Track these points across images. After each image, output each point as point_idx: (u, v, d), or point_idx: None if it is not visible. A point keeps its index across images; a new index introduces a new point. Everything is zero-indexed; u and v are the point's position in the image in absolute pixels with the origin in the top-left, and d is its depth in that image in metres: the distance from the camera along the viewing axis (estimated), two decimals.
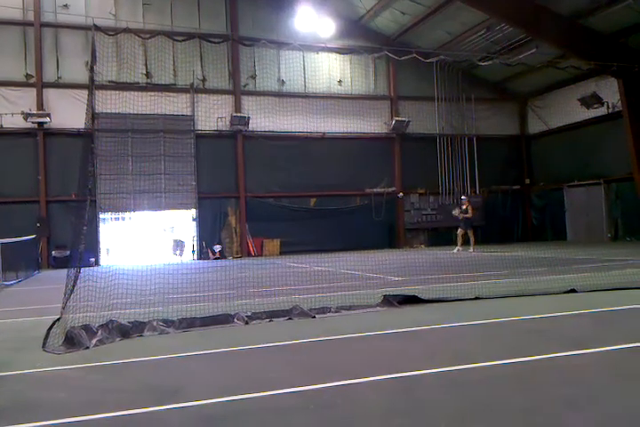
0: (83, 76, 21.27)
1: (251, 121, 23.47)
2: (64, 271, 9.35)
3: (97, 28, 9.27)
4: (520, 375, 4.29)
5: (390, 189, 25.84)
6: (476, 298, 8.06)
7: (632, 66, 18.33)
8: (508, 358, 4.69)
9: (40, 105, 21.27)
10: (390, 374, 4.35)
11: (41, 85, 21.45)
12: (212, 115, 23.02)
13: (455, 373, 4.37)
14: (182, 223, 24.13)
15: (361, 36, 24.95)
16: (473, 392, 3.91)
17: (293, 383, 4.23)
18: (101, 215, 22.24)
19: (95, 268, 18.97)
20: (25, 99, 21.21)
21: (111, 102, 19.02)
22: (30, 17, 21.55)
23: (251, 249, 23.50)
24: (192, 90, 23.07)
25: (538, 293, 8.27)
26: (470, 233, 20.47)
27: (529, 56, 21.76)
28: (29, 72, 21.50)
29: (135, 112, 21.00)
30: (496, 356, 4.79)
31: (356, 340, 5.84)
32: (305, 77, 24.95)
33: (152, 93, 22.02)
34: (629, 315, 6.71)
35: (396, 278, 11.55)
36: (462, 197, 22.12)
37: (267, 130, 23.86)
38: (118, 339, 6.19)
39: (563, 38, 20.25)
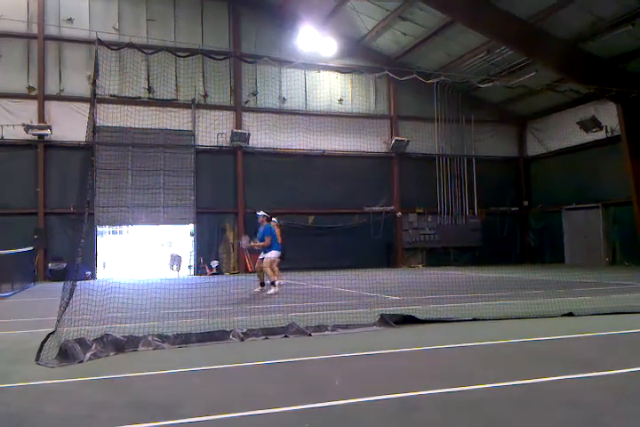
0: (84, 90, 21.40)
1: (251, 137, 23.55)
2: (60, 284, 9.30)
3: (101, 42, 9.32)
4: (520, 398, 4.25)
5: (389, 208, 25.86)
6: (474, 319, 8.02)
7: (631, 91, 18.46)
8: (507, 381, 4.65)
9: (41, 117, 21.34)
10: (387, 394, 4.31)
11: (43, 98, 21.53)
12: (213, 130, 23.08)
13: (453, 394, 4.33)
14: (180, 238, 24.09)
15: (362, 56, 25.15)
16: (472, 415, 3.86)
17: (289, 402, 4.18)
18: (99, 228, 22.18)
19: (91, 281, 18.88)
20: (26, 111, 21.26)
21: (112, 116, 19.11)
22: (34, 30, 21.69)
23: (248, 265, 23.42)
24: (193, 105, 23.17)
25: (536, 315, 8.24)
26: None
27: (529, 79, 21.91)
28: (32, 84, 21.58)
29: (136, 126, 21.11)
30: (495, 378, 4.75)
31: (352, 359, 5.80)
32: (306, 95, 25.09)
33: (153, 108, 22.13)
34: (629, 339, 6.67)
35: (394, 298, 11.50)
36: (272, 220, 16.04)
37: (267, 146, 23.93)
38: (112, 353, 6.14)
39: (562, 62, 20.41)
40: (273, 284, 13.09)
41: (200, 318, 8.04)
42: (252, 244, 14.22)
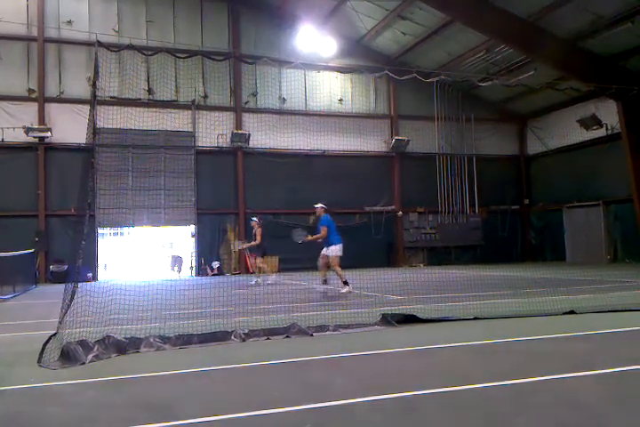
0: (84, 92, 21.42)
1: (251, 138, 23.56)
2: (61, 286, 9.30)
3: (100, 44, 9.33)
4: (520, 397, 4.25)
5: (389, 208, 25.85)
6: (475, 318, 8.02)
7: (631, 88, 18.44)
8: (508, 379, 4.65)
9: (41, 119, 21.35)
10: (388, 394, 4.31)
11: (43, 100, 21.54)
12: (213, 131, 23.08)
13: (454, 393, 4.33)
14: (181, 239, 24.11)
15: (362, 56, 25.16)
16: (472, 413, 3.87)
17: (291, 402, 4.19)
18: (100, 230, 22.20)
19: (93, 283, 18.89)
20: (26, 113, 21.29)
21: (112, 118, 19.09)
22: (34, 32, 21.71)
23: (249, 266, 23.42)
24: (193, 106, 23.18)
25: (537, 314, 8.23)
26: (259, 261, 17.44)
27: (528, 77, 21.92)
28: (32, 87, 21.60)
29: (136, 128, 21.09)
30: (496, 377, 4.76)
31: (354, 359, 5.80)
32: (306, 95, 25.09)
33: (153, 109, 22.13)
34: (629, 337, 6.67)
35: (395, 297, 11.50)
36: (252, 219, 18.14)
37: (267, 147, 23.93)
38: (114, 355, 6.14)
39: (562, 60, 20.42)
40: (346, 283, 12.58)
41: (202, 319, 8.05)
42: (310, 237, 13.75)
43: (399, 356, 5.92)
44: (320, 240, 13.40)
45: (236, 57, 21.27)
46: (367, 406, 4.07)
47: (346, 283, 12.65)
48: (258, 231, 17.15)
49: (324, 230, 13.13)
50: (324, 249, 13.25)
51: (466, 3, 19.69)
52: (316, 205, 13.84)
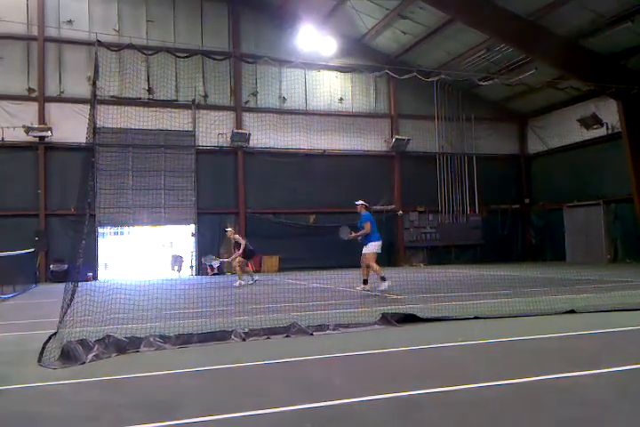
0: (85, 91, 21.40)
1: (251, 137, 23.55)
2: (62, 285, 9.30)
3: (100, 43, 9.33)
4: (522, 396, 4.24)
5: (390, 207, 25.85)
6: (476, 317, 8.02)
7: (631, 87, 18.43)
8: (508, 379, 4.65)
9: (42, 119, 21.35)
10: (389, 393, 4.31)
11: (43, 100, 21.54)
12: (213, 131, 23.08)
13: (454, 393, 4.33)
14: (181, 239, 24.09)
15: (362, 55, 25.16)
16: (474, 413, 3.86)
17: (290, 401, 4.18)
18: (100, 230, 22.20)
19: (93, 282, 18.90)
20: (27, 113, 21.28)
21: (113, 117, 19.12)
22: (34, 32, 21.71)
23: (249, 265, 23.40)
24: (194, 106, 23.17)
25: (538, 313, 8.23)
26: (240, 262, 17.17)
27: (529, 76, 21.91)
28: (32, 86, 21.60)
29: (136, 127, 21.10)
30: (497, 376, 4.75)
31: (354, 358, 5.80)
32: (306, 95, 25.08)
33: (154, 109, 22.12)
34: (630, 336, 6.66)
35: (395, 296, 11.50)
36: (226, 229, 18.28)
37: (267, 146, 23.94)
38: (114, 354, 6.14)
39: (562, 59, 20.39)
40: (383, 279, 12.48)
41: (202, 319, 8.04)
42: (353, 235, 13.72)
43: (398, 355, 5.91)
44: (360, 238, 13.44)
45: (236, 56, 21.28)
46: (367, 406, 4.06)
47: (383, 279, 12.53)
48: (236, 237, 17.20)
49: (367, 226, 13.28)
50: (365, 248, 13.24)
51: (466, 1, 19.67)
52: (356, 203, 14.03)
